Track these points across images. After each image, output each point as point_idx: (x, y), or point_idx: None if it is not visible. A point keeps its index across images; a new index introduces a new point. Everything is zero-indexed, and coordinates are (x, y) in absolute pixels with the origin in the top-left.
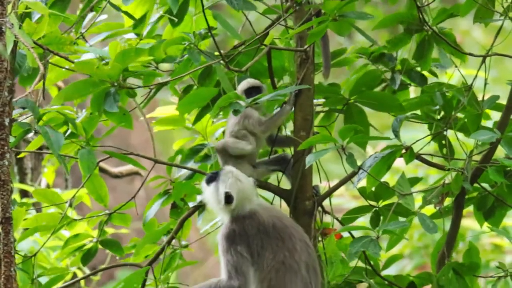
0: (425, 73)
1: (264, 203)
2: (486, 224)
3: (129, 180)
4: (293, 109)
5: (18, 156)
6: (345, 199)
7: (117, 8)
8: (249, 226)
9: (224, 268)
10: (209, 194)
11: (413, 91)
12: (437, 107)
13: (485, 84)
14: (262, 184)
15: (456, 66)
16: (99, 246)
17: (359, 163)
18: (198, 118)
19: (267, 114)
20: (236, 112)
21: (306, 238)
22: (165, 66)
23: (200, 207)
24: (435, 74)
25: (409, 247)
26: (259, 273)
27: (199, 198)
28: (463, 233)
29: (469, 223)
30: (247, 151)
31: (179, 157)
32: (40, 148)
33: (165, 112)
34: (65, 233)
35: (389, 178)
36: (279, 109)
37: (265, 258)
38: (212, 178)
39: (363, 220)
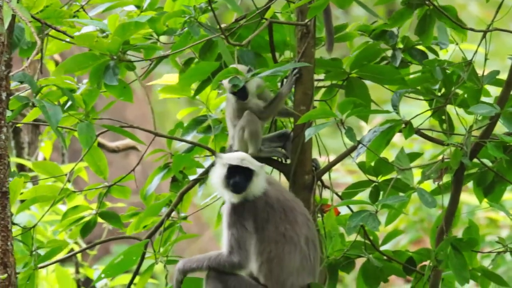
0: (425, 50)
1: (267, 177)
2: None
3: (124, 155)
4: (292, 88)
5: (16, 125)
6: (340, 174)
7: None
8: (258, 199)
9: (226, 241)
10: (256, 185)
11: (413, 70)
12: (437, 86)
13: (486, 59)
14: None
15: (457, 44)
16: (98, 219)
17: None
18: (199, 91)
19: (265, 91)
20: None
21: (306, 212)
22: (165, 38)
23: (200, 180)
24: (435, 52)
25: (404, 222)
26: (260, 245)
27: (199, 171)
28: (459, 208)
29: (465, 197)
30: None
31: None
32: (36, 121)
33: (170, 79)
34: (62, 207)
35: (385, 153)
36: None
37: (267, 231)
38: (246, 178)
39: (362, 195)
